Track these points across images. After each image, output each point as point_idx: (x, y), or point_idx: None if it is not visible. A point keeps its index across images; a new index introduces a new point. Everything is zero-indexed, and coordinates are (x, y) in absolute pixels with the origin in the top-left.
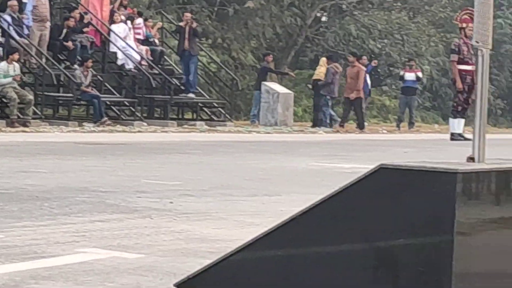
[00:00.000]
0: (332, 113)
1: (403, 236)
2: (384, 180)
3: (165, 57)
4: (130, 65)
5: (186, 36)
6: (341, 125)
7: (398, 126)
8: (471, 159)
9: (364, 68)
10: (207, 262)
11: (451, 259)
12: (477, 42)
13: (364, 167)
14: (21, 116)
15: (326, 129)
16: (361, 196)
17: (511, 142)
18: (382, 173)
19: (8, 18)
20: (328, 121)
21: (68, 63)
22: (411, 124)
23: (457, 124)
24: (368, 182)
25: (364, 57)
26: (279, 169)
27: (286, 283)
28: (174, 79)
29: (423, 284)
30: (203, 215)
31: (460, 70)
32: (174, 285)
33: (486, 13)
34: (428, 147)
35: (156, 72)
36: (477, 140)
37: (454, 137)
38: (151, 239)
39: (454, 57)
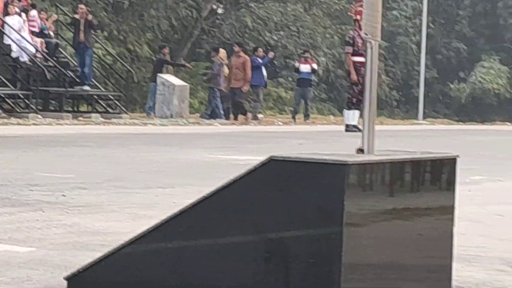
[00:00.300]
0: (219, 105)
1: (294, 227)
2: (274, 172)
3: (60, 49)
4: (24, 58)
5: (82, 28)
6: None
7: (293, 117)
8: (360, 150)
9: (249, 58)
10: (98, 255)
11: (340, 250)
12: (366, 34)
13: (258, 159)
14: None
15: (221, 121)
16: (252, 188)
17: (405, 133)
18: (272, 165)
19: None
20: (221, 111)
21: None
22: (306, 115)
23: (352, 116)
24: (258, 174)
25: (260, 49)
26: (173, 162)
27: (177, 275)
28: (69, 72)
29: (314, 275)
30: (96, 208)
31: (354, 62)
32: (65, 278)
33: (375, 6)
34: (323, 138)
35: (51, 64)
36: (367, 132)
37: (349, 128)
38: (42, 233)
39: (349, 49)
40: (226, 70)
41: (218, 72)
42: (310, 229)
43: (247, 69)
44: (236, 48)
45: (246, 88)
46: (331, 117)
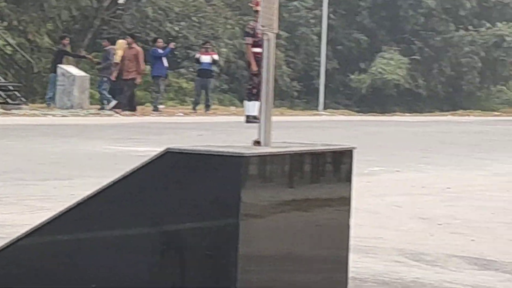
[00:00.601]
0: (107, 95)
1: (190, 220)
2: (171, 164)
3: None
4: None
5: None
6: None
7: (194, 108)
8: (257, 142)
9: (142, 50)
10: None
11: (237, 242)
12: (263, 26)
13: (158, 150)
14: None
15: (124, 112)
16: (148, 180)
17: (305, 124)
18: (169, 157)
19: None
20: (107, 99)
21: None
22: (207, 106)
23: (252, 107)
24: (154, 166)
25: (160, 40)
26: (72, 153)
27: (73, 268)
28: None
29: (210, 267)
30: None
31: (254, 53)
32: None
33: None
34: (223, 129)
35: None
36: (263, 124)
37: (249, 119)
38: None
39: (249, 39)
40: (117, 60)
41: (110, 63)
42: (206, 221)
43: (139, 61)
44: (129, 40)
45: (139, 80)
46: (232, 108)
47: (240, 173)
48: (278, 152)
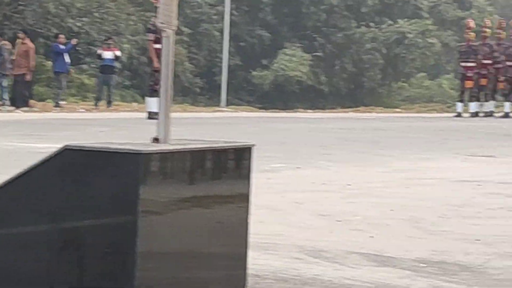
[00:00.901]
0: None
1: (89, 217)
2: (69, 161)
3: None
4: None
5: None
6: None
7: (96, 105)
8: (156, 139)
9: (33, 46)
10: None
11: (135, 239)
12: (162, 23)
13: (58, 147)
14: None
15: (24, 108)
16: (47, 177)
17: (207, 120)
18: (67, 154)
19: None
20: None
21: None
22: (109, 103)
23: (154, 103)
24: (53, 163)
25: (62, 36)
26: None
27: None
28: None
29: (109, 264)
30: None
31: (156, 49)
32: None
33: None
34: (125, 126)
35: None
36: (162, 121)
37: (151, 116)
38: None
39: (151, 36)
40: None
41: (3, 58)
42: (105, 218)
43: (30, 58)
44: (21, 35)
45: (28, 77)
46: (134, 104)
47: (138, 170)
48: (177, 149)
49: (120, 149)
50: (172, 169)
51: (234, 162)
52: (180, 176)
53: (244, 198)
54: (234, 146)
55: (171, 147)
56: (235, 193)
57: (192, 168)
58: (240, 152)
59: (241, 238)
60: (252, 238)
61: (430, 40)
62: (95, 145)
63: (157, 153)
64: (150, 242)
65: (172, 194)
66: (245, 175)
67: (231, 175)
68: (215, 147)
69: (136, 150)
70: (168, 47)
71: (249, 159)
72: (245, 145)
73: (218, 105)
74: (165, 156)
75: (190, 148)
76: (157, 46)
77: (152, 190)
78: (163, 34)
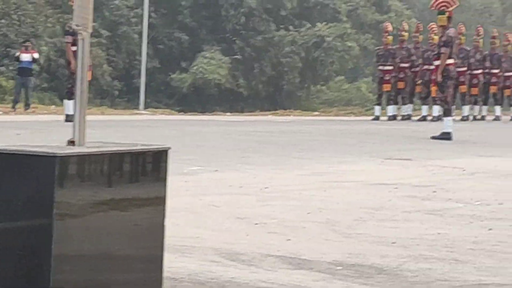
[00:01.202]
0: None
1: (4, 220)
2: None
3: None
4: None
5: None
6: None
7: (14, 107)
8: (71, 142)
9: None
10: None
11: (50, 242)
12: (77, 25)
13: None
14: None
15: None
16: None
17: (126, 123)
18: None
19: None
20: None
21: None
22: (27, 105)
23: (72, 106)
24: None
25: None
26: None
27: None
28: None
29: (25, 267)
30: None
31: (74, 52)
32: None
33: None
34: (43, 129)
35: None
36: (78, 124)
37: (69, 118)
38: None
39: (69, 38)
40: None
41: None
42: (20, 221)
43: None
44: None
45: None
46: (52, 106)
47: (53, 173)
48: (92, 152)
49: (35, 151)
50: (87, 172)
51: (150, 165)
52: (96, 179)
53: (160, 201)
54: (150, 149)
55: (86, 150)
56: (151, 196)
57: (107, 171)
58: (156, 155)
59: (158, 240)
60: (168, 241)
61: (348, 44)
62: (11, 147)
63: (72, 155)
64: (66, 245)
65: (88, 197)
66: (161, 178)
67: (147, 178)
68: (130, 150)
69: (51, 153)
70: (84, 50)
71: (165, 162)
72: (161, 148)
73: (137, 108)
74: (80, 158)
75: (106, 151)
76: (75, 48)
77: (68, 193)
78: (79, 37)
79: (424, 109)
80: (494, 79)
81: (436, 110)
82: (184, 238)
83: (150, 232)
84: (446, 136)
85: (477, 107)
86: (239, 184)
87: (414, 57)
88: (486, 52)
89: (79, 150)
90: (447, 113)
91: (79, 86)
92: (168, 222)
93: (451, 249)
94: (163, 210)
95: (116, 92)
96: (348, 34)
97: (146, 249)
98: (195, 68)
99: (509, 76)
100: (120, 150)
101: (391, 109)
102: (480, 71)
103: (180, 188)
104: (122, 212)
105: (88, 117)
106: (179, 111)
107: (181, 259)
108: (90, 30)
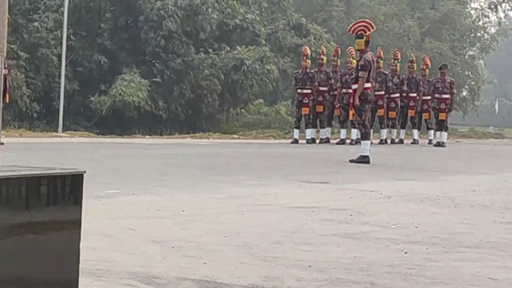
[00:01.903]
0: None
1: None
2: None
3: None
4: None
5: None
6: None
7: None
8: None
9: None
10: None
11: None
12: None
13: None
14: None
15: None
16: None
17: (44, 146)
18: None
19: None
20: None
21: None
22: None
23: None
24: None
25: None
26: None
27: None
28: None
29: None
30: None
31: None
32: None
33: (1, 21)
34: None
35: None
36: None
37: None
38: None
39: None
40: None
41: None
42: None
43: None
44: None
45: None
46: None
47: None
48: (6, 176)
49: None
50: (0, 196)
51: (64, 189)
52: (10, 203)
53: (76, 224)
54: (65, 173)
55: (0, 174)
56: (67, 219)
57: (21, 194)
58: (71, 178)
59: (73, 264)
60: (84, 265)
61: (268, 67)
62: None
63: None
64: None
65: (1, 221)
66: (77, 201)
67: (61, 202)
68: (43, 174)
69: None
70: None
71: (80, 185)
72: (76, 172)
73: (56, 131)
74: None
75: (20, 175)
76: None
77: None
78: None
79: (343, 133)
80: (411, 103)
81: (355, 133)
82: (100, 262)
83: (66, 255)
84: (364, 160)
85: (395, 131)
86: (156, 207)
87: (332, 81)
88: (404, 76)
89: None
90: (364, 136)
91: None
92: (84, 246)
93: (367, 273)
94: (79, 233)
95: (35, 114)
96: (267, 57)
97: (61, 273)
98: (114, 90)
99: (426, 100)
100: (34, 174)
101: (309, 132)
102: (397, 94)
103: (97, 212)
104: (36, 235)
105: (7, 140)
106: (98, 133)
107: (97, 283)
108: (4, 54)
